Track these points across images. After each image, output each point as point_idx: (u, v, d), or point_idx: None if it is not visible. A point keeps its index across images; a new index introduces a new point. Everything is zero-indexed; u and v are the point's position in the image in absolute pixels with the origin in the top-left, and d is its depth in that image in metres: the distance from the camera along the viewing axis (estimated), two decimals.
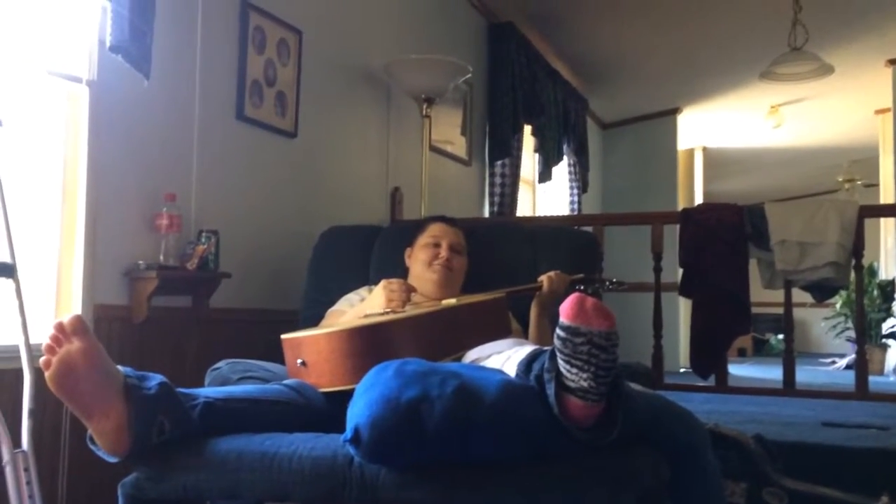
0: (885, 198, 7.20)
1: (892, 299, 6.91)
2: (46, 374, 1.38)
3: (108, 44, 2.10)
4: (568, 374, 1.30)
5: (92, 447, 1.44)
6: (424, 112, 3.54)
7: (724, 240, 3.12)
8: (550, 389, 1.33)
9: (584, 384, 1.29)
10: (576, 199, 5.87)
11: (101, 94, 2.21)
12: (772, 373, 6.89)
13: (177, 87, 2.48)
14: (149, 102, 2.35)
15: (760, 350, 9.79)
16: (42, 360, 1.39)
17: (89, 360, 1.39)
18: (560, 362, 1.32)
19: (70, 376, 1.37)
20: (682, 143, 7.50)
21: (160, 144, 2.42)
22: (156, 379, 1.45)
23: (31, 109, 2.13)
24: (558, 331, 1.31)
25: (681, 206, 7.18)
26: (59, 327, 1.40)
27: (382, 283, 2.00)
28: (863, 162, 8.44)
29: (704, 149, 8.42)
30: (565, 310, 1.31)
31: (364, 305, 2.05)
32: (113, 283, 2.24)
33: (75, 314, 1.44)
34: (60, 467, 2.03)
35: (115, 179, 2.25)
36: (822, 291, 3.20)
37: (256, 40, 2.80)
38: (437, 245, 2.21)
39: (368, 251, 2.58)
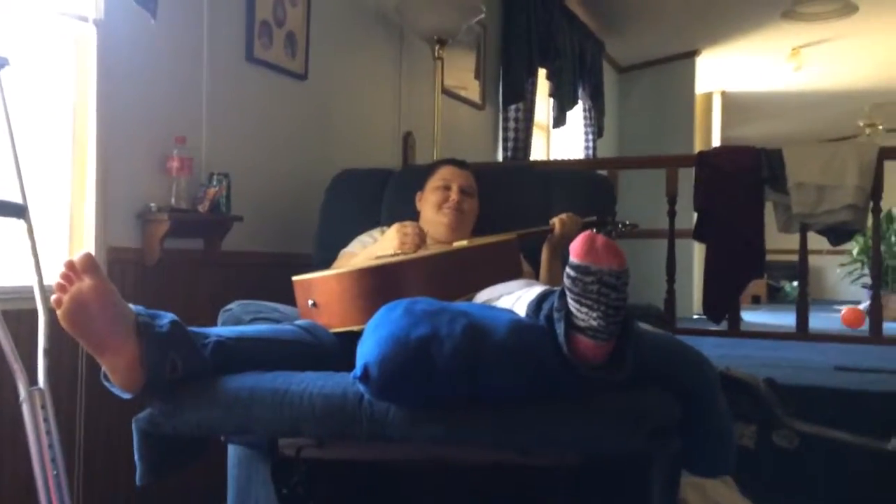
0: None
1: None
2: (58, 311, 1.39)
3: None
4: (577, 314, 1.30)
5: (106, 384, 1.45)
6: (437, 54, 3.48)
7: (740, 183, 3.09)
8: (560, 328, 1.33)
9: (594, 323, 1.28)
10: (591, 144, 5.81)
11: (108, 34, 2.18)
12: (786, 319, 6.86)
13: (185, 27, 2.44)
14: (157, 42, 2.32)
15: (775, 297, 9.76)
16: (53, 298, 1.40)
17: (101, 298, 1.39)
18: (570, 301, 1.31)
19: (82, 313, 1.38)
20: (701, 87, 7.36)
21: (169, 85, 2.39)
22: (167, 317, 1.46)
23: (38, 49, 2.11)
24: (568, 269, 1.31)
25: (698, 151, 7.09)
26: (70, 265, 1.40)
27: (396, 225, 1.99)
28: (885, 106, 8.27)
29: (723, 93, 8.26)
30: (575, 248, 1.30)
31: (376, 247, 2.05)
32: (125, 225, 2.24)
33: (86, 252, 1.44)
34: (77, 405, 2.06)
35: (125, 121, 2.24)
36: (838, 235, 3.17)
37: None
38: (447, 188, 2.20)
39: (380, 195, 2.57)
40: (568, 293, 1.31)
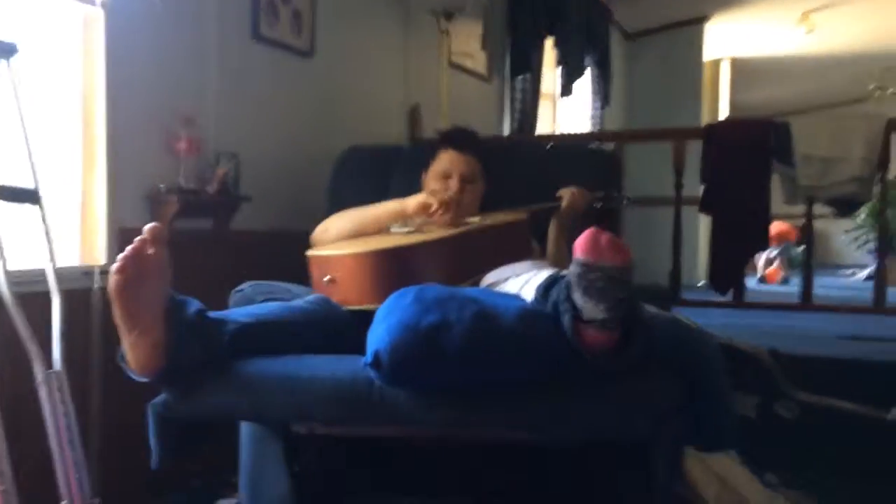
0: None
1: None
2: (116, 277, 1.38)
3: None
4: (584, 306, 1.32)
5: (122, 365, 1.47)
6: (443, 27, 3.46)
7: (748, 155, 3.09)
8: (566, 320, 1.35)
9: (600, 316, 1.31)
10: (598, 113, 5.78)
11: (116, 17, 2.18)
12: (792, 285, 6.90)
13: (191, 6, 2.44)
14: (164, 23, 2.32)
15: None
16: (117, 264, 1.38)
17: (158, 271, 1.41)
18: (576, 295, 1.33)
19: (137, 284, 1.39)
20: (709, 54, 7.28)
21: (176, 66, 2.40)
22: (194, 305, 1.49)
23: (47, 34, 2.11)
24: (573, 266, 1.33)
25: (706, 118, 7.05)
26: (145, 236, 1.40)
27: (432, 196, 1.99)
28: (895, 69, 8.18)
29: (732, 59, 8.18)
30: (580, 245, 1.32)
31: (394, 204, 2.05)
32: (135, 206, 2.26)
33: (157, 224, 1.43)
34: (92, 388, 2.10)
35: (133, 102, 2.25)
36: (845, 206, 3.18)
37: None
38: (447, 177, 2.17)
39: (387, 172, 2.58)
40: (574, 287, 1.33)
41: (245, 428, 1.86)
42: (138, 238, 1.41)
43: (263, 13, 2.70)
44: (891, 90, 8.59)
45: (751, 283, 6.11)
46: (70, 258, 2.17)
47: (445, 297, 1.44)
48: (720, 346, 1.64)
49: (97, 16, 2.16)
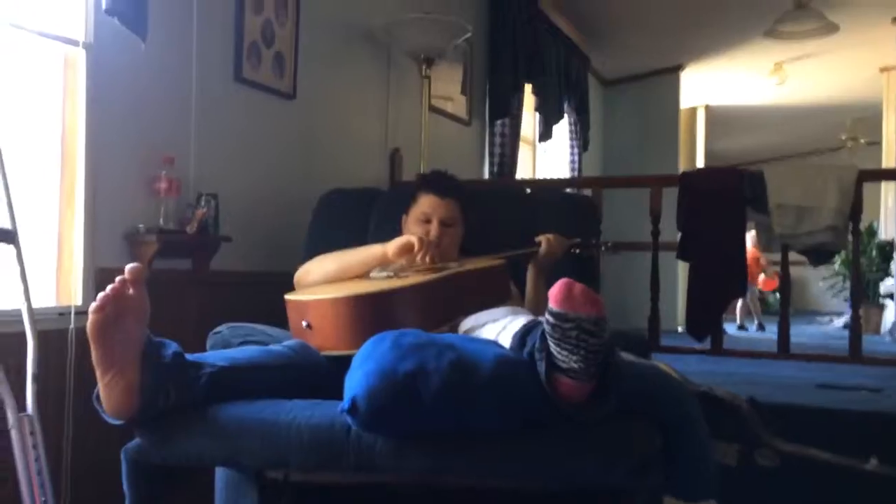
0: (888, 155, 7.18)
1: (891, 259, 6.94)
2: (95, 316, 1.37)
3: (103, 5, 2.08)
4: (558, 356, 1.33)
5: (97, 406, 1.45)
6: (424, 72, 3.51)
7: (723, 203, 3.13)
8: (541, 368, 1.35)
9: (575, 366, 1.31)
10: (576, 158, 5.85)
11: (98, 57, 2.20)
12: (769, 331, 6.95)
13: (174, 49, 2.46)
14: (146, 65, 2.33)
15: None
16: (96, 303, 1.38)
17: (137, 313, 1.41)
18: (550, 344, 1.34)
19: (115, 324, 1.38)
20: (685, 102, 7.43)
21: (158, 107, 2.41)
22: (171, 348, 1.47)
23: (28, 73, 2.11)
24: (548, 316, 1.33)
25: (682, 164, 7.16)
26: (125, 277, 1.40)
27: (413, 236, 1.97)
28: (866, 120, 8.39)
29: (707, 107, 8.35)
30: (554, 295, 1.33)
31: (377, 249, 2.02)
32: (114, 246, 2.25)
33: (137, 264, 1.44)
34: (65, 432, 2.06)
35: (113, 143, 2.25)
36: (818, 255, 3.22)
37: None
38: (427, 221, 2.16)
39: (367, 214, 2.59)
40: (549, 337, 1.34)
41: (220, 474, 1.83)
42: (119, 278, 1.40)
43: (246, 56, 2.72)
44: (863, 140, 8.80)
45: (730, 328, 6.16)
46: (46, 299, 2.14)
47: (423, 343, 1.44)
48: (700, 394, 1.64)
49: (79, 56, 2.17)
